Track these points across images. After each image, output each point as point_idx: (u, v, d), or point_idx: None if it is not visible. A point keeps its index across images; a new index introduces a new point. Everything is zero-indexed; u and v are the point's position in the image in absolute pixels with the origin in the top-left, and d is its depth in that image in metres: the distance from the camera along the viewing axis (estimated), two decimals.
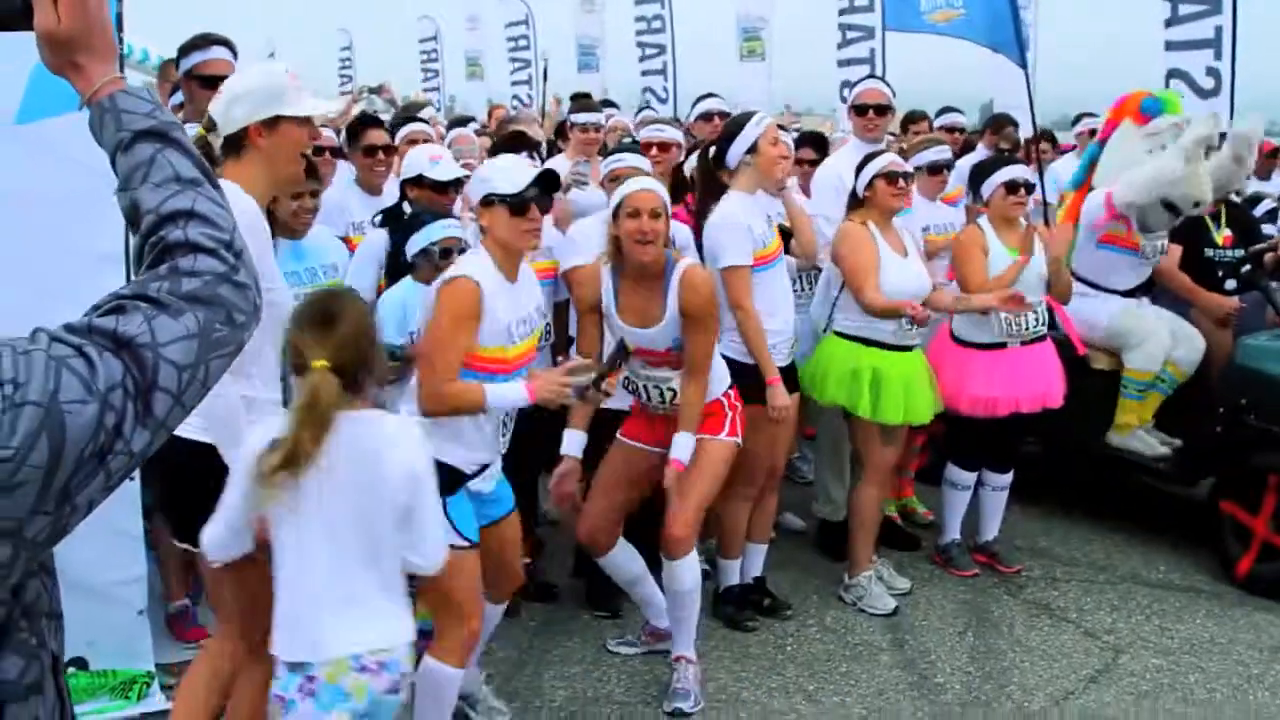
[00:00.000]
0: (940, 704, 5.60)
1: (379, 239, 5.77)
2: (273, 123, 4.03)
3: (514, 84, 20.35)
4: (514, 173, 4.55)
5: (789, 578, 6.93)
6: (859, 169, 6.50)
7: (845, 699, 5.64)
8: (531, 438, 5.73)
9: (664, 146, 7.01)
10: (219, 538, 3.61)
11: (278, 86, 4.05)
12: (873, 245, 6.33)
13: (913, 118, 9.72)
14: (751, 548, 6.42)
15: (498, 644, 5.92)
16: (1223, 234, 7.84)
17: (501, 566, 4.90)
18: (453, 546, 4.53)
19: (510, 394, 4.40)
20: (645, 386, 5.48)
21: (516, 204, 4.48)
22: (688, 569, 5.49)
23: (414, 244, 5.39)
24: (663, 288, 5.33)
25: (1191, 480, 7.62)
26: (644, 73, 18.89)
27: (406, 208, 5.86)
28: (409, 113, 8.17)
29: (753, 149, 6.01)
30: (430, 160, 5.93)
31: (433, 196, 5.84)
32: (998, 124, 10.60)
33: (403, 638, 3.61)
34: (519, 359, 4.59)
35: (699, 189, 6.19)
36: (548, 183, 4.58)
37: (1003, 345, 6.82)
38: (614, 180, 6.15)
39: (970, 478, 7.16)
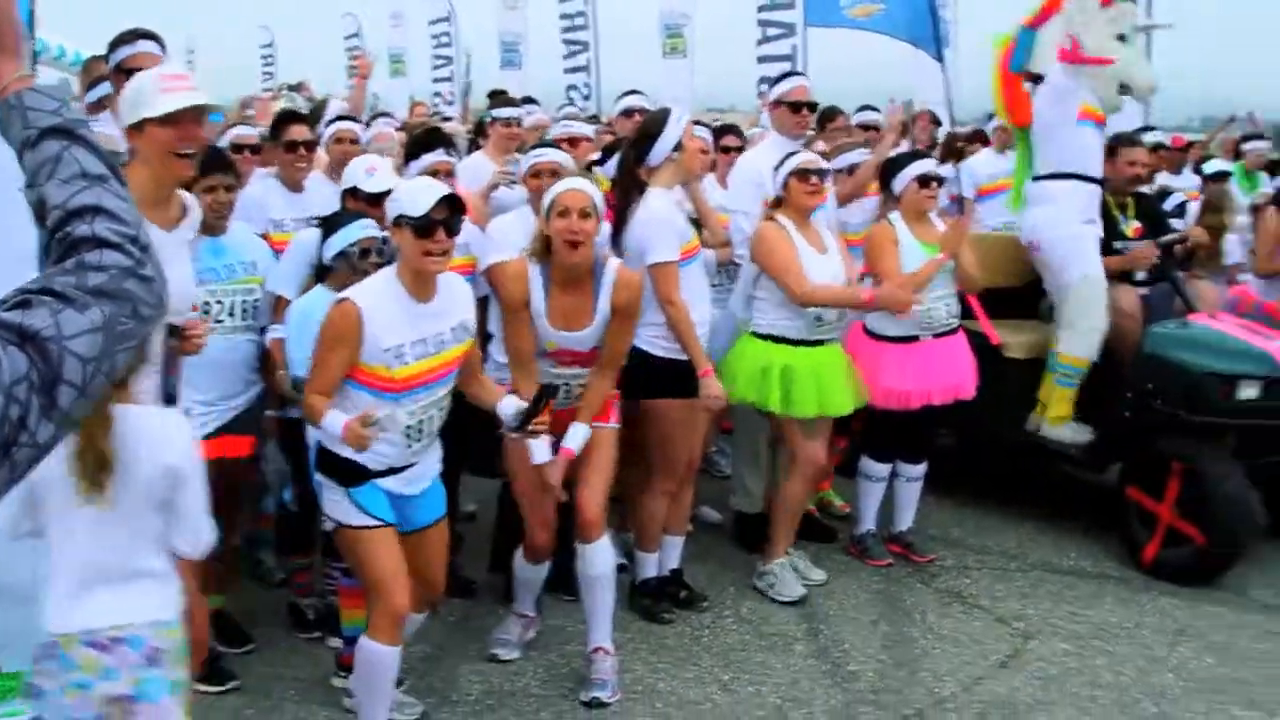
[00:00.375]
0: (853, 691, 5.69)
1: (310, 238, 5.76)
2: (139, 127, 4.19)
3: (436, 81, 20.31)
4: (419, 194, 4.57)
5: (706, 570, 7.00)
6: (778, 168, 6.57)
7: (760, 688, 5.71)
8: (452, 436, 5.78)
9: (574, 141, 7.07)
10: (11, 517, 3.62)
11: (141, 91, 4.21)
12: (789, 243, 6.40)
13: (829, 114, 9.81)
14: (668, 540, 6.48)
15: (413, 639, 5.95)
16: (1132, 225, 7.98)
17: (421, 578, 4.92)
18: (363, 527, 4.67)
19: (332, 427, 4.45)
20: (551, 385, 5.50)
21: (421, 226, 4.52)
22: (603, 552, 5.59)
23: (332, 246, 5.40)
24: (594, 288, 5.40)
25: (1101, 467, 7.78)
26: (567, 70, 18.93)
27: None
28: (316, 113, 8.12)
29: (678, 146, 6.08)
30: (365, 172, 5.90)
31: (366, 209, 5.79)
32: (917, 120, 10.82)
33: (146, 615, 3.56)
34: (414, 378, 4.62)
35: (619, 186, 6.23)
36: (453, 205, 4.60)
37: (915, 338, 6.92)
38: (535, 176, 6.21)
39: (884, 469, 7.27)
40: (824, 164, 6.67)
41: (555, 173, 6.19)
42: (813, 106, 7.61)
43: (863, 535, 7.35)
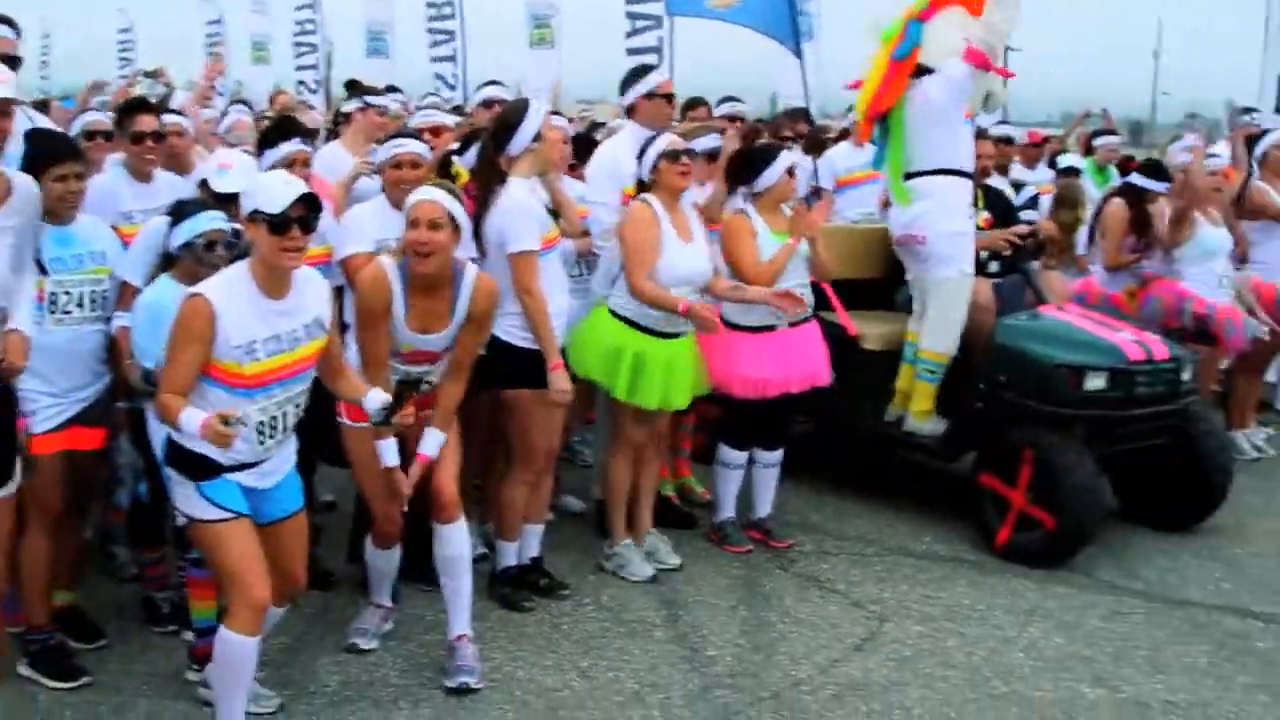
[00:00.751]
0: (710, 675, 5.75)
1: (159, 226, 5.66)
2: None
3: (299, 69, 20.05)
4: (277, 191, 4.53)
5: (568, 559, 7.03)
6: (641, 154, 6.60)
7: (619, 674, 5.75)
8: (310, 427, 5.74)
9: (436, 131, 7.05)
10: None
11: None
12: (656, 229, 6.45)
13: (693, 104, 9.91)
14: (528, 529, 6.51)
15: (271, 632, 5.91)
16: (981, 216, 8.16)
17: (280, 570, 4.87)
18: (215, 520, 4.63)
19: (189, 425, 4.39)
20: (414, 379, 5.50)
21: (277, 224, 4.49)
22: (461, 533, 5.62)
23: (178, 236, 5.31)
24: (452, 294, 5.42)
25: (955, 456, 7.95)
26: (434, 59, 18.85)
27: None
28: (165, 103, 7.96)
29: (538, 135, 6.11)
30: (219, 168, 5.78)
31: (215, 204, 5.68)
32: (793, 115, 10.97)
33: None
34: (267, 375, 4.59)
35: (479, 176, 6.22)
36: (311, 203, 4.57)
37: (771, 328, 7.01)
38: (395, 167, 6.18)
39: (741, 457, 7.35)
40: (690, 145, 6.73)
41: (415, 164, 6.18)
42: (673, 97, 7.68)
43: (722, 522, 7.42)
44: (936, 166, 7.62)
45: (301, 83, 19.44)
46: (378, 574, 5.99)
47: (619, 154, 7.10)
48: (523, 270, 5.93)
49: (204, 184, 5.80)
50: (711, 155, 7.43)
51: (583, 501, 7.89)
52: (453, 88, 17.62)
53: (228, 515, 4.63)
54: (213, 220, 5.30)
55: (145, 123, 6.51)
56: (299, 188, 4.57)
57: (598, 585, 6.77)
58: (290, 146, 6.17)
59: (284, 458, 4.89)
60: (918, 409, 7.71)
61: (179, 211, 5.40)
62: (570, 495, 7.93)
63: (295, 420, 4.83)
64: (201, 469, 4.59)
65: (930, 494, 8.40)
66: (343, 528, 6.87)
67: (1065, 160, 12.42)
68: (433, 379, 5.59)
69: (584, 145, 7.52)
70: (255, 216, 4.52)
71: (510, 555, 6.48)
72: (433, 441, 5.52)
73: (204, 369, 4.50)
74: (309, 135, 6.55)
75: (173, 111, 7.35)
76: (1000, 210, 8.33)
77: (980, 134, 8.27)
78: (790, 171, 7.06)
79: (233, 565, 4.64)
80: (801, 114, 11.02)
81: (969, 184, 7.77)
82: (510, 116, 6.21)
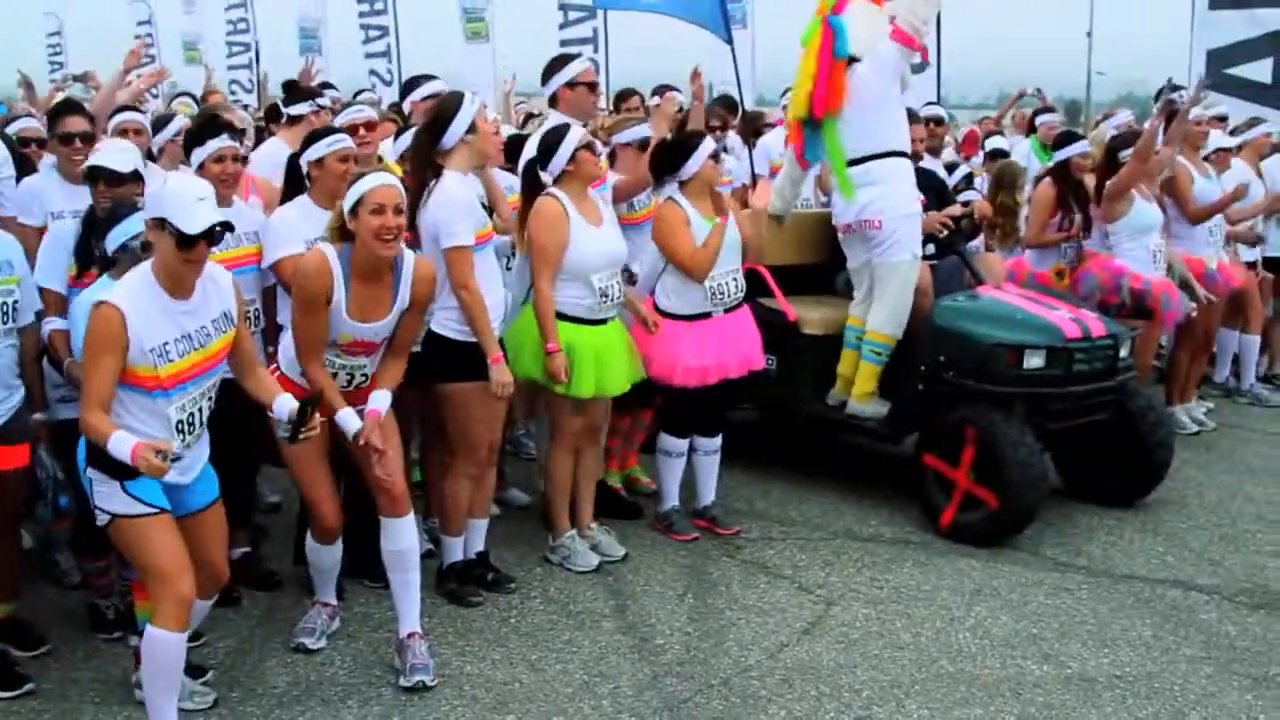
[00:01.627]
0: (660, 664, 5.77)
1: (66, 230, 5.62)
2: None
3: (232, 69, 19.90)
4: (195, 214, 4.50)
5: (515, 552, 7.04)
6: (549, 145, 6.57)
7: (567, 666, 5.76)
8: (249, 426, 5.73)
9: (371, 126, 7.01)
10: None
11: None
12: (564, 225, 6.43)
13: (625, 95, 9.89)
14: (473, 524, 6.50)
15: (218, 634, 5.91)
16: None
17: (202, 562, 4.87)
18: (138, 515, 4.64)
19: (120, 450, 4.39)
20: (336, 373, 5.51)
21: (185, 241, 4.50)
22: (409, 526, 5.63)
23: (114, 239, 5.26)
24: (394, 281, 5.41)
25: (898, 438, 8.01)
26: (368, 55, 18.75)
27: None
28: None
29: (472, 128, 6.10)
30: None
31: (110, 189, 5.70)
32: (723, 103, 11.00)
33: None
34: (181, 374, 4.61)
35: (413, 169, 6.20)
36: (221, 227, 4.58)
37: (707, 315, 7.05)
38: (340, 160, 6.07)
39: (683, 445, 7.36)
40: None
41: (351, 159, 6.14)
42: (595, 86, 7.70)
43: (667, 512, 7.45)
44: (883, 149, 7.66)
45: (235, 82, 19.32)
46: (321, 571, 5.97)
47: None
48: (458, 266, 5.92)
49: (93, 172, 5.76)
50: (642, 145, 7.43)
51: (528, 495, 7.89)
52: (388, 83, 17.53)
53: (150, 510, 4.64)
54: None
55: (73, 124, 6.48)
56: (215, 214, 4.58)
57: (545, 578, 6.77)
58: (219, 143, 6.11)
59: (200, 453, 4.92)
60: (860, 391, 7.75)
61: (112, 215, 5.35)
62: (515, 489, 7.93)
63: (209, 413, 4.86)
64: (123, 467, 4.54)
65: (875, 477, 8.46)
66: (287, 529, 6.84)
67: (996, 143, 12.49)
68: (367, 372, 5.58)
69: (516, 146, 7.49)
70: (165, 226, 4.51)
71: (456, 550, 6.47)
72: (382, 399, 5.47)
73: (120, 375, 4.50)
74: (237, 133, 6.49)
75: (131, 108, 7.33)
76: (934, 192, 8.37)
77: (911, 117, 8.29)
78: (715, 156, 7.06)
79: (157, 561, 4.66)
80: (729, 101, 11.05)
81: (910, 164, 7.81)
82: (445, 109, 6.19)
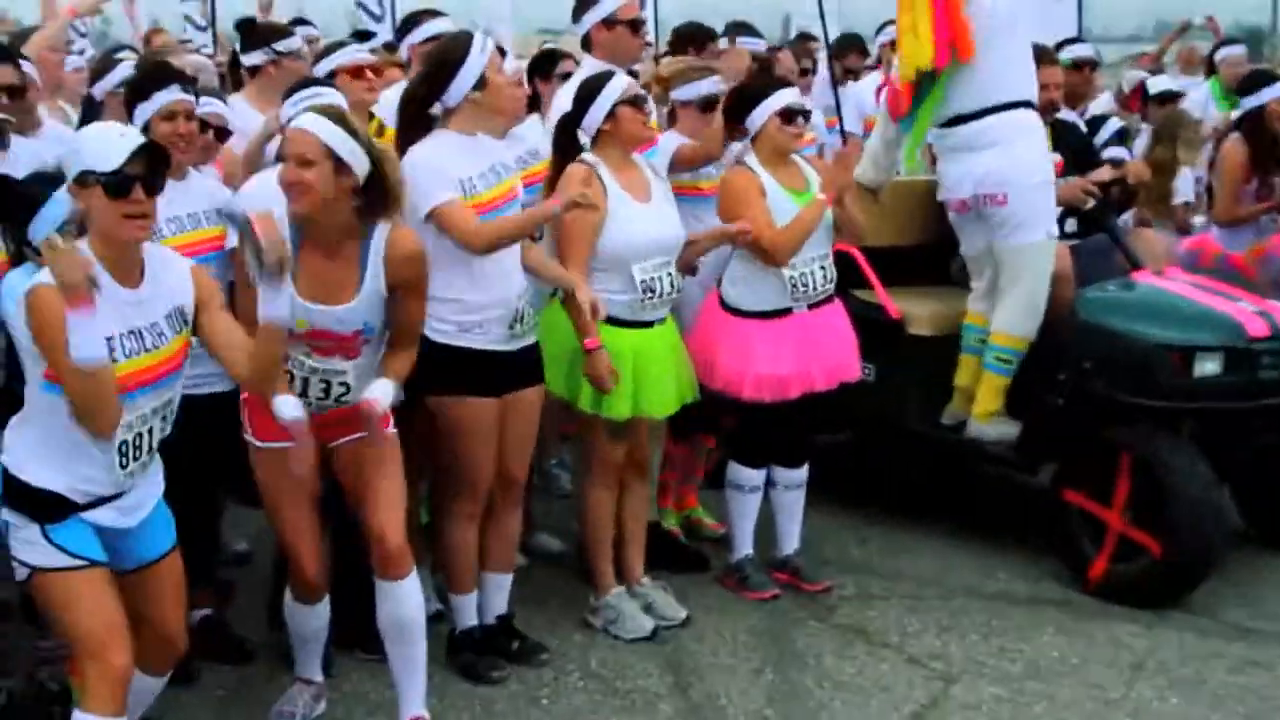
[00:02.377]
0: None
1: None
2: None
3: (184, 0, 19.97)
4: (109, 145, 4.56)
5: (545, 614, 7.05)
6: (586, 97, 6.59)
7: None
8: (207, 460, 5.77)
9: (355, 73, 7.00)
10: None
11: None
12: (600, 204, 6.45)
13: (705, 36, 9.54)
14: (490, 579, 6.53)
15: (168, 716, 5.93)
16: (1051, 159, 8.06)
17: (154, 627, 4.91)
18: (64, 569, 4.64)
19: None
20: (308, 379, 5.49)
21: (114, 184, 4.54)
22: (413, 588, 5.60)
23: (39, 229, 5.28)
24: (359, 255, 5.39)
25: (1033, 468, 7.98)
26: None
27: None
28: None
29: (481, 82, 6.08)
30: None
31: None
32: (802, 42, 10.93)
33: None
34: (127, 379, 4.60)
35: (400, 131, 6.22)
36: (155, 157, 4.62)
37: (786, 311, 7.06)
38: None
39: (758, 477, 7.33)
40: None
41: None
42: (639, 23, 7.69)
43: (740, 562, 7.44)
44: (1007, 99, 7.60)
45: (187, 17, 19.38)
46: (303, 639, 5.98)
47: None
48: (450, 224, 5.90)
49: None
50: (706, 104, 7.41)
51: (561, 541, 7.89)
52: (379, 18, 17.55)
53: (78, 563, 4.65)
54: (64, 202, 5.24)
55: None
56: (136, 138, 4.63)
57: (585, 647, 6.79)
58: (167, 95, 6.12)
59: (149, 488, 4.94)
60: (984, 408, 7.71)
61: (28, 200, 5.33)
62: (546, 533, 7.94)
63: (160, 438, 4.86)
64: (49, 508, 4.59)
65: (1003, 519, 8.44)
66: (260, 585, 6.86)
67: (1157, 84, 12.01)
68: (349, 380, 5.51)
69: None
70: (85, 179, 4.56)
71: (468, 612, 6.49)
72: (385, 389, 5.44)
73: (47, 374, 4.54)
74: (188, 82, 6.53)
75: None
76: (1072, 152, 8.31)
77: (1042, 56, 8.17)
78: (785, 115, 7.03)
79: (85, 626, 4.66)
80: (810, 40, 11.06)
81: (1038, 120, 7.79)
82: (446, 56, 6.18)
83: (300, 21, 11.39)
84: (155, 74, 6.42)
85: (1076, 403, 7.49)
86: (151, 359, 4.69)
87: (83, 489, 4.65)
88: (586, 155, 6.57)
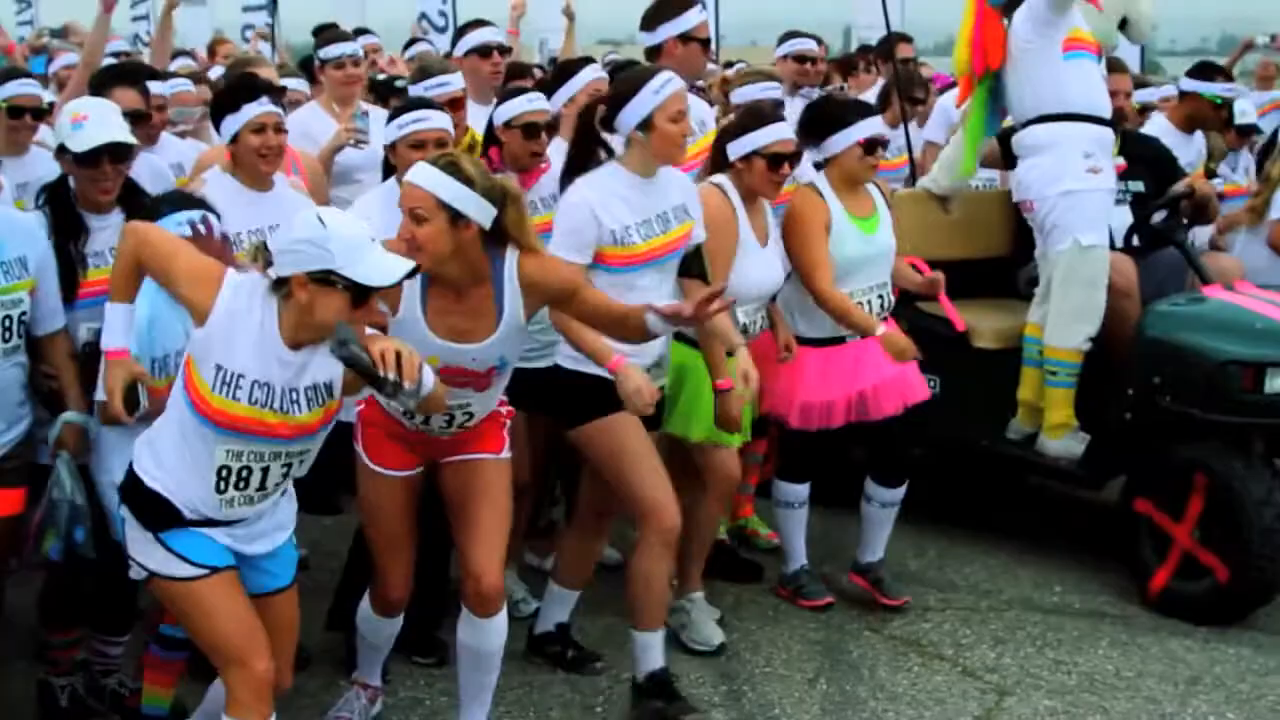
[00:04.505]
0: None
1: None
2: None
3: (246, 10, 20.06)
4: (383, 265, 4.52)
5: (600, 623, 7.05)
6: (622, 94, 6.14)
7: None
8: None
9: (455, 104, 7.05)
10: None
11: None
12: (733, 230, 6.48)
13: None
14: (560, 593, 6.57)
15: None
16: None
17: None
18: (183, 579, 4.65)
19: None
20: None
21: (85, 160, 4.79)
22: (501, 625, 5.56)
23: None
24: (494, 291, 5.27)
25: (1097, 482, 7.95)
26: None
27: (73, 182, 5.68)
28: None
29: (646, 124, 5.89)
30: (72, 123, 5.59)
31: (78, 170, 5.60)
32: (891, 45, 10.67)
33: None
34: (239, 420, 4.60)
35: (573, 155, 6.20)
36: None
37: (840, 339, 7.04)
38: (417, 148, 6.03)
39: (803, 492, 7.31)
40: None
41: (442, 142, 6.10)
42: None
43: (795, 573, 7.45)
44: (1046, 112, 7.71)
45: (250, 27, 19.45)
46: (370, 647, 5.93)
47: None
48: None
49: (61, 151, 5.65)
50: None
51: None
52: (441, 30, 17.65)
53: (202, 571, 4.64)
54: (179, 225, 5.23)
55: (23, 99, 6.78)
56: (408, 261, 4.61)
57: None
58: (257, 108, 6.10)
59: (272, 528, 4.90)
60: (1052, 423, 7.71)
61: (150, 214, 5.32)
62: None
63: (280, 482, 4.81)
64: (158, 514, 4.62)
65: (1057, 531, 8.44)
66: (316, 591, 6.88)
67: (1244, 115, 11.58)
68: (472, 411, 5.43)
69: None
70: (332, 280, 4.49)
71: (656, 653, 6.24)
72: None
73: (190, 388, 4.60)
74: (277, 94, 6.51)
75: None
76: (1146, 164, 8.28)
77: (1115, 66, 8.24)
78: (868, 146, 6.97)
79: (222, 634, 4.65)
80: (877, 51, 10.95)
81: (1100, 130, 7.79)
82: (623, 82, 6.06)
83: (362, 31, 11.49)
84: (244, 86, 6.45)
85: (1144, 418, 7.46)
86: (274, 417, 4.60)
87: (191, 506, 4.64)
88: (720, 180, 6.57)
